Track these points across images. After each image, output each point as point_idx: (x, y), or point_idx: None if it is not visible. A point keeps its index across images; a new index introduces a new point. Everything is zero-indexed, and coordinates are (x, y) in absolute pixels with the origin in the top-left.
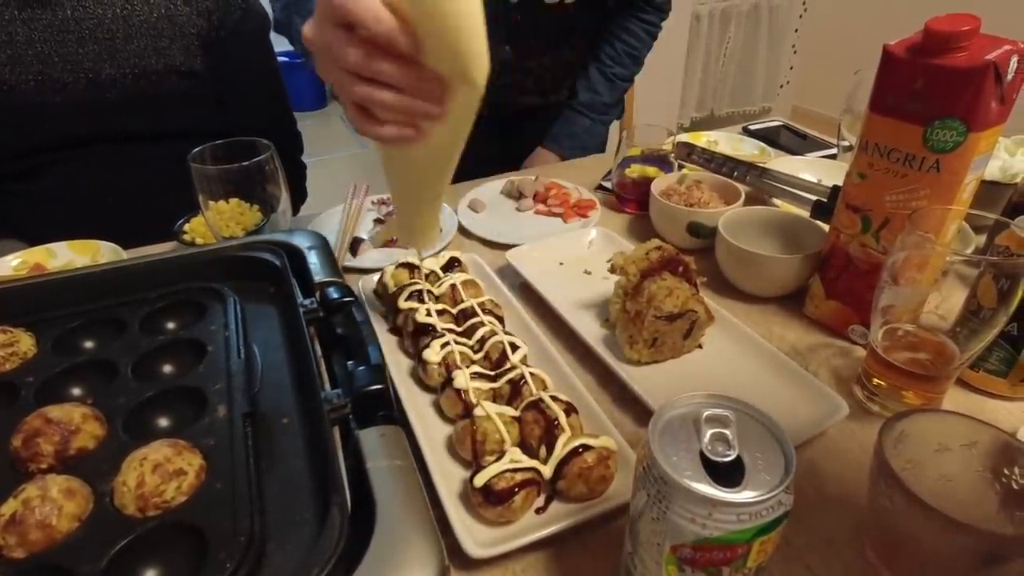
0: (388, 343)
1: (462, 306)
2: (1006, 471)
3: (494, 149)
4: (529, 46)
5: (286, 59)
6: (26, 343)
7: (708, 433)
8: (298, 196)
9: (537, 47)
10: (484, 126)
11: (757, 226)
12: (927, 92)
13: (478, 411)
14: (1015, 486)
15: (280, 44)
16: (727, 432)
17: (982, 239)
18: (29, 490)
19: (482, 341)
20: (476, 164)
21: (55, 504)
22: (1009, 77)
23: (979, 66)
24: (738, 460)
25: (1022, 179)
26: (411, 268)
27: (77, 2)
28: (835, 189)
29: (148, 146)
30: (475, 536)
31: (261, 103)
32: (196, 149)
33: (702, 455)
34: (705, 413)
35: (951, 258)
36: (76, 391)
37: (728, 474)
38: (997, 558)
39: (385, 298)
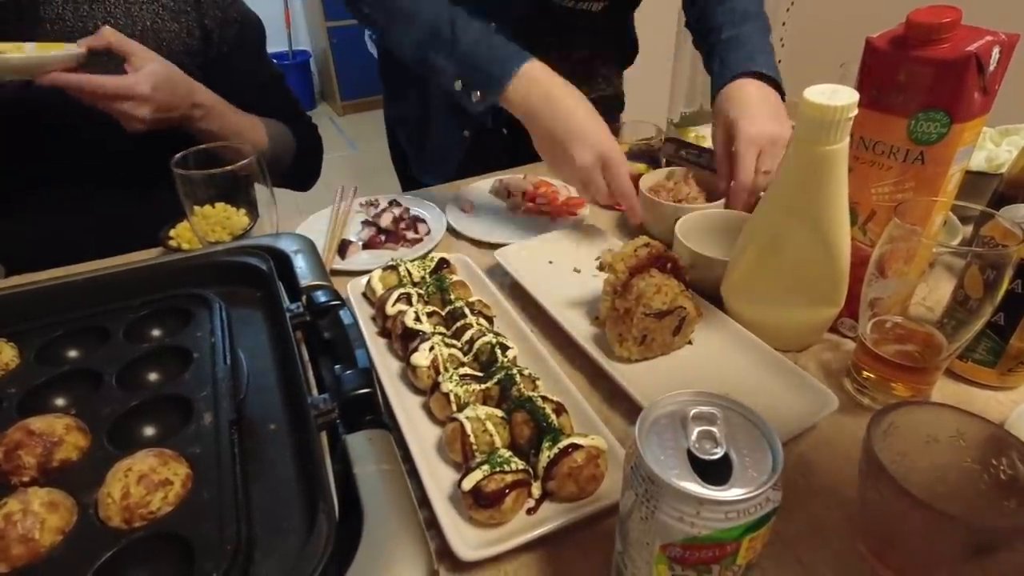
0: (377, 346)
1: (451, 307)
2: (994, 462)
3: (508, 150)
4: (536, 42)
5: (274, 60)
6: (8, 354)
7: (695, 431)
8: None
9: (542, 45)
10: (495, 127)
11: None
12: (910, 84)
13: (467, 413)
14: (1003, 476)
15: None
16: (714, 430)
17: (969, 230)
18: (10, 504)
19: (471, 342)
20: (488, 168)
21: (37, 517)
22: (991, 68)
23: (961, 58)
24: (725, 458)
25: (1007, 169)
26: (398, 271)
27: (56, 16)
28: None
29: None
30: (466, 538)
31: (272, 109)
32: (179, 154)
33: (689, 453)
34: (692, 411)
35: (937, 249)
36: (59, 402)
37: (716, 472)
38: (986, 548)
39: (373, 301)
